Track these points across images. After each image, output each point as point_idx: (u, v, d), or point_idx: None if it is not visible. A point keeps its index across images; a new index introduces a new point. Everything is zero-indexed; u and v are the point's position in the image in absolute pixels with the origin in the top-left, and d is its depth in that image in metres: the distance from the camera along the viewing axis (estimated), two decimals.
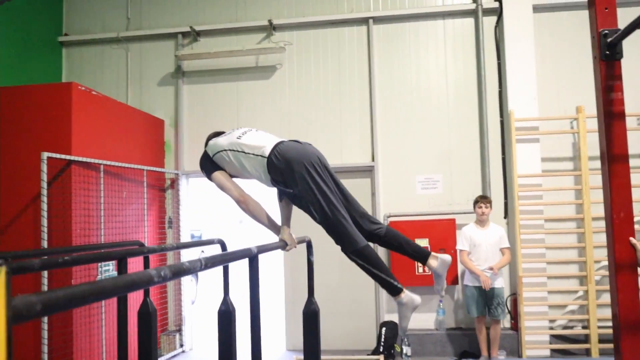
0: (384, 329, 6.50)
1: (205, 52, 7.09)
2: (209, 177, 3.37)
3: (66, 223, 5.24)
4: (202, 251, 8.44)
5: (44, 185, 4.99)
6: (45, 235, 4.95)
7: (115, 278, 1.12)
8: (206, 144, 3.46)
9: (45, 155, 5.01)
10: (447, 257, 3.13)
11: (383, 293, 6.79)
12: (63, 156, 5.19)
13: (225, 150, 3.24)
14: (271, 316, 8.45)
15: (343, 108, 7.12)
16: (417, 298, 3.05)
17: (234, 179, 3.38)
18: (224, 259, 1.91)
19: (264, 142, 3.17)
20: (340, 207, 3.01)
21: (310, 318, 3.74)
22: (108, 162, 5.77)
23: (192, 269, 1.55)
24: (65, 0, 7.69)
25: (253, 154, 3.13)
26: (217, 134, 3.51)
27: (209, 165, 3.36)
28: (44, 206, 4.98)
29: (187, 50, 7.27)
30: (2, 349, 0.73)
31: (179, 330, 7.03)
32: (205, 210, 12.16)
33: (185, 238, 7.15)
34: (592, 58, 3.00)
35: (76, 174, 5.37)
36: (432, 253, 3.17)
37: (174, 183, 7.19)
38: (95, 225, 5.59)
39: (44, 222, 4.97)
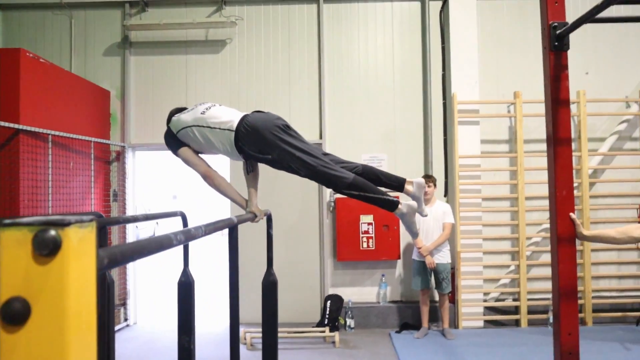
0: (328, 302, 6.70)
1: (155, 23, 6.97)
2: (175, 153, 3.39)
3: (13, 194, 5.11)
4: (157, 223, 8.38)
5: None
6: None
7: (152, 238, 1.22)
8: (169, 121, 3.43)
9: None
10: (421, 180, 3.31)
11: (327, 268, 6.99)
12: (11, 125, 5.03)
13: (190, 126, 3.24)
14: (213, 291, 8.51)
15: (292, 85, 7.21)
16: (412, 202, 3.24)
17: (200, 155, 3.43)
18: (217, 227, 2.01)
19: (229, 116, 3.22)
20: (318, 154, 3.15)
21: (269, 288, 3.87)
22: (56, 133, 5.63)
23: (197, 234, 1.66)
24: None
25: (220, 129, 3.17)
26: (179, 109, 3.49)
27: (173, 142, 3.36)
28: None
29: (135, 21, 7.13)
30: (93, 293, 0.82)
31: (124, 304, 6.99)
32: (142, 185, 11.98)
33: (131, 211, 7.08)
34: (541, 48, 3.20)
35: (24, 144, 5.23)
36: (407, 179, 3.34)
37: (120, 156, 7.08)
38: (43, 196, 5.46)
39: None
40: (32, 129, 5.27)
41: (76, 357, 0.76)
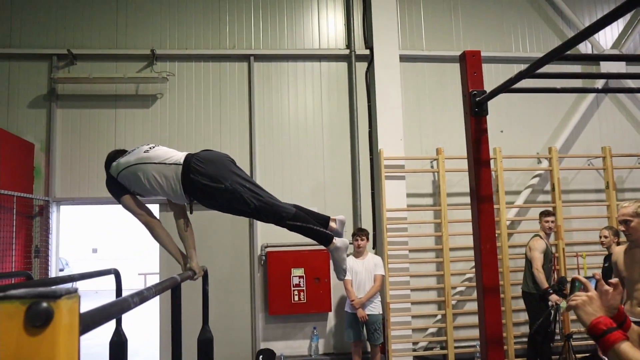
0: (260, 357, 6.64)
1: (83, 77, 6.93)
2: (118, 201, 3.34)
3: None
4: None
5: None
6: None
7: (114, 302, 1.28)
8: (108, 166, 3.35)
9: None
10: (342, 217, 3.48)
11: (259, 322, 6.95)
12: None
13: (132, 165, 3.19)
14: (140, 350, 8.21)
15: (223, 138, 7.29)
16: (344, 239, 3.37)
17: (143, 200, 3.40)
18: (164, 287, 2.05)
19: (174, 153, 3.22)
20: (263, 189, 3.25)
21: (205, 345, 3.85)
22: None
23: (149, 295, 1.72)
24: None
25: (165, 164, 3.14)
26: (118, 152, 3.44)
27: (115, 188, 3.29)
28: None
29: (63, 74, 7.05)
30: (76, 356, 0.88)
31: None
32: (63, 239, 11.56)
33: (54, 267, 6.81)
34: (461, 108, 3.47)
35: None
36: (330, 217, 3.45)
37: (43, 210, 6.84)
38: None
39: None
40: None
41: None
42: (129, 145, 6.98)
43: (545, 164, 7.58)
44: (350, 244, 3.55)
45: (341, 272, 3.43)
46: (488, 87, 3.27)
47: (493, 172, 7.25)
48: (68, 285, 1.22)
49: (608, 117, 7.95)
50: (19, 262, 6.27)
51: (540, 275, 5.96)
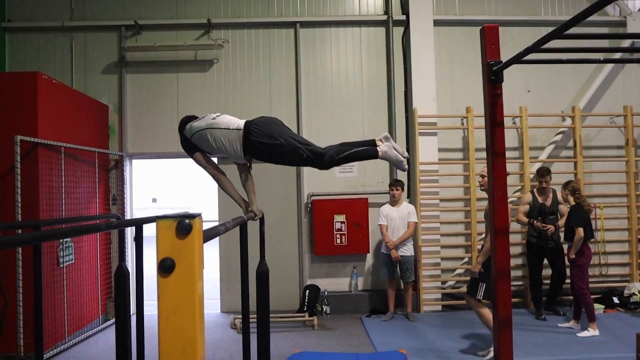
0: (307, 292, 7.63)
1: (149, 45, 7.81)
2: (191, 156, 4.09)
3: (34, 199, 5.85)
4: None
5: (17, 165, 5.60)
6: (19, 210, 5.57)
7: (211, 228, 2.04)
8: (182, 129, 4.11)
9: (18, 138, 5.62)
10: (385, 134, 3.94)
11: (305, 261, 7.92)
12: (33, 139, 5.80)
13: (203, 129, 3.96)
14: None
15: (273, 100, 8.12)
16: (388, 143, 3.85)
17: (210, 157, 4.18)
18: (237, 222, 2.92)
19: (236, 120, 3.98)
20: (309, 142, 3.91)
21: (263, 276, 4.69)
22: (67, 145, 6.40)
23: (229, 226, 2.51)
24: None
25: (229, 129, 3.90)
26: (189, 117, 4.19)
27: (189, 147, 4.06)
28: (18, 184, 5.59)
29: (131, 43, 7.95)
30: (202, 254, 1.67)
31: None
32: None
33: (129, 212, 7.88)
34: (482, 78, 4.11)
35: (42, 155, 5.99)
36: (375, 138, 3.93)
37: (118, 164, 7.87)
38: (57, 201, 6.23)
39: (18, 197, 5.58)
40: (49, 142, 6.04)
41: (199, 293, 1.52)
42: (189, 105, 7.92)
43: (568, 121, 8.15)
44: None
45: (402, 164, 3.89)
46: (516, 50, 3.78)
47: (518, 129, 7.91)
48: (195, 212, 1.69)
49: (632, 77, 8.40)
50: (101, 207, 7.34)
51: (518, 220, 7.09)
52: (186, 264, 1.46)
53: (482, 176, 5.46)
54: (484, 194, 7.75)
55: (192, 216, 1.47)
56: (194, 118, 4.19)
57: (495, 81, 4.03)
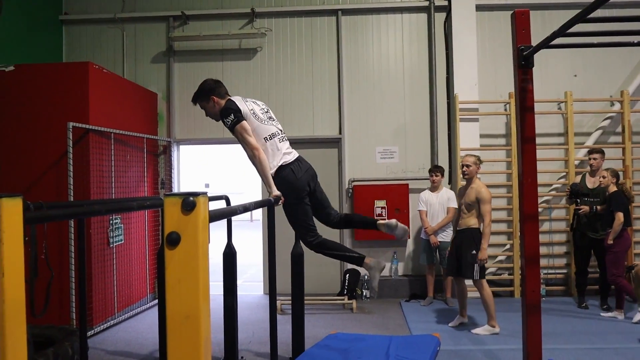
0: (347, 275, 7.75)
1: (195, 34, 8.08)
2: (238, 124, 4.14)
3: (85, 182, 6.19)
4: None
5: (70, 150, 5.94)
6: (71, 192, 5.91)
7: (227, 207, 2.23)
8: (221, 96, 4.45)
9: (70, 124, 5.95)
10: (392, 221, 4.32)
11: (347, 246, 8.02)
12: (84, 125, 6.12)
13: (262, 124, 4.21)
14: (247, 267, 9.60)
15: (315, 87, 8.25)
16: (381, 260, 4.24)
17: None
18: (259, 204, 3.07)
19: (290, 149, 4.25)
20: (311, 223, 4.23)
21: (297, 258, 4.88)
22: (117, 131, 6.73)
23: (250, 207, 2.67)
24: None
25: (282, 152, 4.14)
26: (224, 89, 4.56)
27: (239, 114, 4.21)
28: (70, 167, 5.93)
29: (178, 33, 8.23)
30: (207, 230, 1.81)
31: None
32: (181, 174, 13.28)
33: None
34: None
35: (93, 140, 6.32)
36: (378, 220, 4.38)
37: (166, 149, 8.19)
38: (107, 183, 6.57)
39: (70, 180, 5.92)
40: (99, 128, 6.36)
41: (203, 264, 1.61)
42: (234, 93, 7.81)
43: (617, 106, 7.94)
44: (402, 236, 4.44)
45: (372, 289, 4.36)
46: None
47: (563, 115, 7.77)
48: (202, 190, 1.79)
49: None
50: (149, 191, 7.66)
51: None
52: (190, 238, 1.58)
53: (467, 165, 5.89)
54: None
55: (196, 194, 1.61)
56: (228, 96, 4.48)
57: (525, 66, 3.98)
